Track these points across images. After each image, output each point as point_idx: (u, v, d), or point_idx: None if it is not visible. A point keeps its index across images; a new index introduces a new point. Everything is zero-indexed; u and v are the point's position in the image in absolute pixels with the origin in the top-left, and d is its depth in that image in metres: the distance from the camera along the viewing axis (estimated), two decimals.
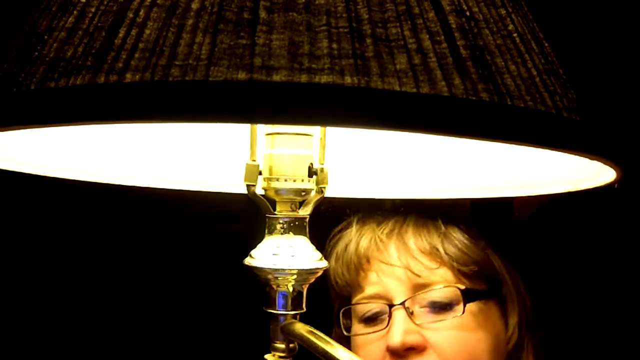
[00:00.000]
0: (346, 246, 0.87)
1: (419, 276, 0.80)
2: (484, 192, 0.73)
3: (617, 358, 1.05)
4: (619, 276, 1.07)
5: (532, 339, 0.87)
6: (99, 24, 0.43)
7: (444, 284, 0.81)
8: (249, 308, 0.74)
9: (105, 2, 0.43)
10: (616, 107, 1.02)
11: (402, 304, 0.80)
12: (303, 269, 0.57)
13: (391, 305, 0.80)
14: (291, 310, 0.58)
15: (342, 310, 0.86)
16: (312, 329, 0.57)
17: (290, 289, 0.58)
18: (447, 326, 0.80)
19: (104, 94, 0.40)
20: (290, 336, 0.58)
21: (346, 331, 0.86)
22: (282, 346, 0.58)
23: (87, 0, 0.44)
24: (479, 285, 0.83)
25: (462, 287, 0.81)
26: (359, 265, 0.84)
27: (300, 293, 0.58)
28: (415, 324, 0.79)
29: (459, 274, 0.82)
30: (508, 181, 0.71)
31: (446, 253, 0.81)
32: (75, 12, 0.44)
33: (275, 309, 0.58)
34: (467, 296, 0.81)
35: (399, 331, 0.78)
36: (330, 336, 0.57)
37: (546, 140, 0.45)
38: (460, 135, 0.43)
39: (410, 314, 0.80)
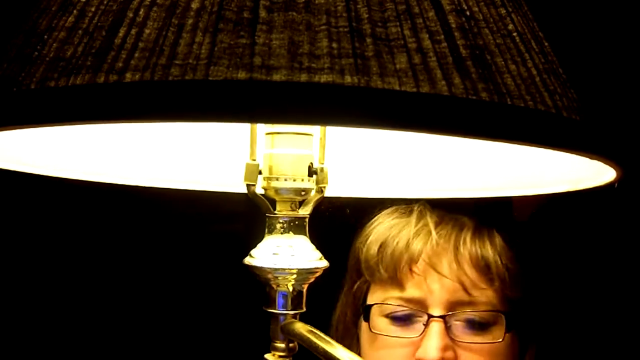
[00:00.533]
0: (396, 237, 0.83)
1: (469, 294, 0.79)
2: (483, 192, 0.73)
3: (616, 358, 1.05)
4: (619, 276, 1.07)
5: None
6: (99, 24, 0.43)
7: (489, 307, 0.80)
8: (248, 308, 0.74)
9: (105, 2, 0.43)
10: (616, 107, 1.02)
11: (443, 317, 0.78)
12: (303, 269, 0.57)
13: (430, 315, 0.79)
14: (291, 310, 0.58)
15: (373, 306, 0.83)
16: (312, 328, 0.57)
17: (290, 289, 0.58)
18: (483, 350, 0.79)
19: (104, 93, 0.40)
20: (290, 336, 0.58)
21: (371, 327, 0.83)
22: (282, 346, 0.58)
23: (87, 0, 0.44)
24: (518, 311, 0.82)
25: (507, 312, 0.80)
26: (407, 263, 0.81)
27: (300, 293, 0.58)
28: (451, 338, 0.78)
29: (503, 297, 0.81)
30: (508, 181, 0.71)
31: (498, 274, 0.80)
32: (75, 11, 0.44)
33: (275, 309, 0.58)
34: (510, 324, 0.80)
35: (437, 346, 0.77)
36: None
37: (546, 139, 0.45)
38: (460, 134, 0.43)
39: (448, 328, 0.78)
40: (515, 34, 0.46)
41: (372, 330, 0.82)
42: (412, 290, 0.81)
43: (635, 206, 1.06)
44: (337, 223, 0.90)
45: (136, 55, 0.40)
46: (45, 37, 0.44)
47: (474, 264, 0.80)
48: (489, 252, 0.81)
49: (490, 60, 0.44)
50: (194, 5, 0.41)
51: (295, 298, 0.58)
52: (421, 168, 0.75)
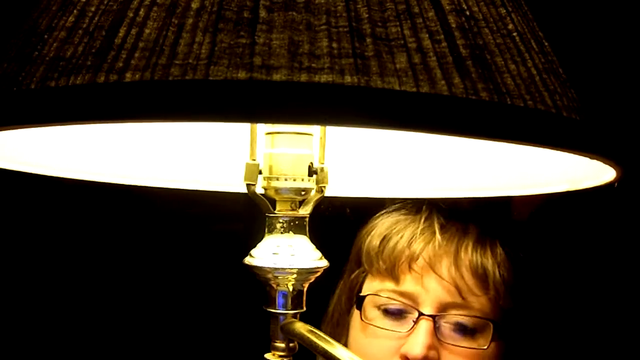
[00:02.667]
0: (400, 232, 0.84)
1: (462, 298, 0.80)
2: (483, 192, 0.73)
3: (616, 358, 1.05)
4: (619, 276, 1.07)
5: None
6: (99, 24, 0.43)
7: (480, 314, 0.80)
8: (248, 307, 0.74)
9: (106, 2, 0.43)
10: (616, 106, 1.02)
11: (434, 317, 0.79)
12: (303, 268, 0.57)
13: (421, 313, 0.79)
14: (291, 310, 0.58)
15: (367, 296, 0.84)
16: (312, 328, 0.57)
17: (290, 288, 0.58)
18: (467, 354, 0.79)
19: (104, 93, 0.40)
20: (290, 335, 0.58)
21: (363, 316, 0.84)
22: (282, 345, 0.58)
23: (87, 0, 0.44)
24: (506, 320, 0.82)
25: (495, 321, 0.80)
26: (407, 260, 0.82)
27: (300, 292, 0.58)
28: (438, 338, 0.79)
29: (496, 306, 0.81)
30: (508, 180, 0.71)
31: (494, 284, 0.80)
32: (75, 11, 0.44)
33: (275, 308, 0.58)
34: (497, 332, 0.80)
35: (422, 344, 0.78)
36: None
37: (546, 139, 0.45)
38: (460, 134, 0.43)
39: (436, 328, 0.79)
40: (515, 33, 0.46)
41: (363, 319, 0.84)
42: (407, 285, 0.82)
43: (636, 206, 1.06)
44: (337, 222, 0.90)
45: (136, 55, 0.40)
46: (46, 36, 0.44)
47: (472, 270, 0.81)
48: (489, 261, 0.81)
49: (490, 60, 0.44)
50: (194, 5, 0.41)
51: (295, 298, 0.58)
52: (421, 168, 0.75)
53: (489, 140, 0.48)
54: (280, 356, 0.58)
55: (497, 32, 0.45)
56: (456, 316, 0.80)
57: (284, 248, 0.57)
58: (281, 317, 0.58)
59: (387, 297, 0.82)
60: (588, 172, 0.58)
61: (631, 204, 1.05)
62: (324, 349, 0.54)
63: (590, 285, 1.06)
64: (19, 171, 0.64)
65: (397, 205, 0.88)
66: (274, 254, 0.57)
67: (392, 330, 0.81)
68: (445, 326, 0.80)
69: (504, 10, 0.47)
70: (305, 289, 0.59)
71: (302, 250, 0.58)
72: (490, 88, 0.42)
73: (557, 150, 0.47)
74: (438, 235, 0.82)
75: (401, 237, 0.83)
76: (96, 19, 0.43)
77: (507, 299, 0.82)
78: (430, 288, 0.80)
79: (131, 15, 0.42)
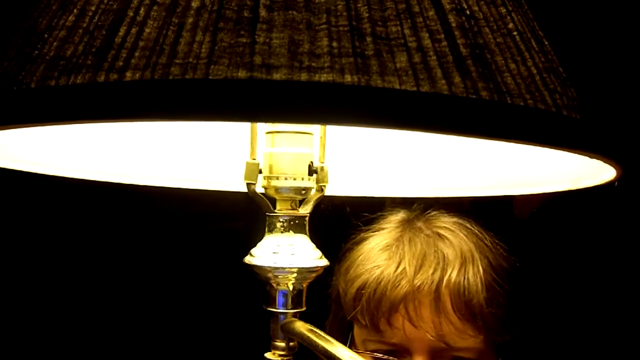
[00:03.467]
0: (374, 284, 0.77)
1: (452, 346, 0.75)
2: (484, 191, 0.73)
3: (616, 358, 1.05)
4: (619, 275, 1.07)
5: None
6: (99, 23, 0.43)
7: (475, 354, 0.76)
8: (249, 307, 0.74)
9: (106, 1, 0.43)
10: (616, 105, 1.02)
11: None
12: (303, 268, 0.57)
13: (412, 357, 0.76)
14: (291, 309, 0.58)
15: (354, 344, 0.80)
16: (312, 327, 0.57)
17: (291, 288, 0.58)
18: None
19: (104, 92, 0.40)
20: (290, 335, 0.58)
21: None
22: (283, 345, 0.58)
23: None
24: (504, 354, 0.80)
25: (491, 358, 0.78)
26: (386, 315, 0.76)
27: (301, 291, 0.58)
28: None
29: (490, 342, 0.78)
30: (508, 180, 0.71)
31: (484, 320, 0.75)
32: (75, 10, 0.44)
33: (275, 308, 0.58)
34: None
35: None
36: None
37: (546, 138, 0.45)
38: (461, 133, 0.43)
39: None
40: (515, 33, 0.46)
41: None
42: (393, 337, 0.78)
43: (636, 205, 1.06)
44: (337, 222, 0.90)
45: (136, 54, 0.40)
46: (46, 36, 0.44)
47: (457, 313, 0.75)
48: (474, 297, 0.75)
49: (490, 59, 0.44)
50: (194, 4, 0.41)
51: (296, 297, 0.58)
52: (421, 167, 0.75)
53: (489, 140, 0.48)
54: (281, 355, 0.58)
55: (497, 31, 0.45)
56: (452, 357, 0.77)
57: (284, 247, 0.57)
58: (281, 316, 0.58)
59: (374, 349, 0.79)
60: (588, 171, 0.58)
61: (631, 203, 1.05)
62: (324, 348, 0.54)
63: (590, 289, 1.06)
64: (19, 170, 0.64)
65: (370, 234, 0.83)
66: (274, 253, 0.57)
67: None
68: None
69: (504, 10, 0.47)
70: (305, 288, 0.59)
71: (302, 249, 0.58)
72: (490, 87, 0.42)
73: (557, 149, 0.47)
74: (414, 281, 0.76)
75: (375, 290, 0.77)
76: (96, 18, 0.43)
77: (501, 334, 0.78)
78: (417, 338, 0.76)
79: (131, 14, 0.42)
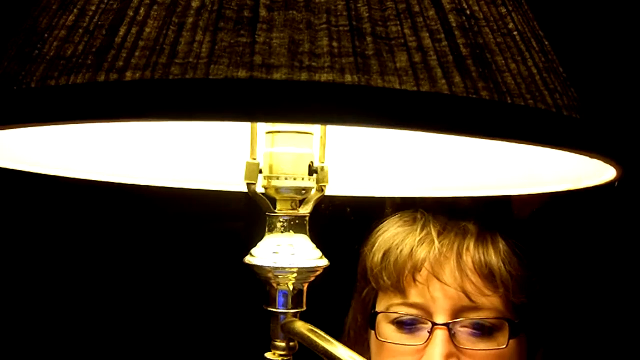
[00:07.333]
0: (399, 246, 0.83)
1: (472, 302, 0.79)
2: (484, 191, 0.73)
3: (616, 358, 1.05)
4: (619, 275, 1.07)
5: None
6: (99, 22, 0.43)
7: (494, 313, 0.80)
8: (249, 306, 0.74)
9: (106, 1, 0.43)
10: (616, 105, 1.02)
11: (447, 324, 0.78)
12: (303, 267, 0.57)
13: (434, 323, 0.79)
14: (291, 309, 0.58)
15: (378, 314, 0.83)
16: (312, 327, 0.57)
17: (291, 287, 0.58)
18: (488, 356, 0.79)
19: (104, 92, 0.40)
20: (290, 334, 0.58)
21: (377, 334, 0.83)
22: (283, 344, 0.58)
23: None
24: (523, 316, 0.82)
25: (511, 319, 0.80)
26: (411, 271, 0.81)
27: (301, 291, 0.59)
28: (455, 345, 0.78)
29: (508, 303, 0.80)
30: (508, 179, 0.71)
31: (502, 281, 0.79)
32: (75, 10, 0.44)
33: (275, 307, 0.58)
34: (514, 330, 0.80)
35: (441, 354, 0.77)
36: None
37: (546, 138, 0.45)
38: (461, 133, 0.43)
39: (452, 335, 0.78)
40: (515, 32, 0.46)
41: (378, 337, 0.83)
42: (415, 297, 0.81)
43: (636, 205, 1.06)
44: (337, 221, 0.90)
45: (136, 53, 0.40)
46: (46, 35, 0.44)
47: (477, 271, 0.80)
48: (493, 258, 0.80)
49: (491, 58, 0.44)
50: (194, 4, 0.41)
51: (296, 297, 0.58)
52: (422, 167, 0.75)
53: (489, 139, 0.48)
54: (281, 355, 0.58)
55: (497, 31, 0.45)
56: (470, 319, 0.79)
57: (284, 247, 0.57)
58: (281, 316, 0.58)
59: (397, 312, 0.82)
60: (588, 171, 0.58)
61: (631, 203, 1.05)
62: (324, 348, 0.54)
63: (595, 285, 1.06)
64: (19, 170, 0.64)
65: (392, 217, 0.87)
66: (274, 253, 0.57)
67: (408, 345, 0.80)
68: (461, 331, 0.79)
69: (504, 9, 0.47)
70: (305, 288, 0.59)
71: (302, 249, 0.58)
72: (490, 87, 0.42)
73: (557, 149, 0.47)
74: (437, 242, 0.81)
75: (401, 251, 0.82)
76: (96, 17, 0.43)
77: (518, 294, 0.81)
78: (438, 297, 0.80)
79: (131, 14, 0.42)
